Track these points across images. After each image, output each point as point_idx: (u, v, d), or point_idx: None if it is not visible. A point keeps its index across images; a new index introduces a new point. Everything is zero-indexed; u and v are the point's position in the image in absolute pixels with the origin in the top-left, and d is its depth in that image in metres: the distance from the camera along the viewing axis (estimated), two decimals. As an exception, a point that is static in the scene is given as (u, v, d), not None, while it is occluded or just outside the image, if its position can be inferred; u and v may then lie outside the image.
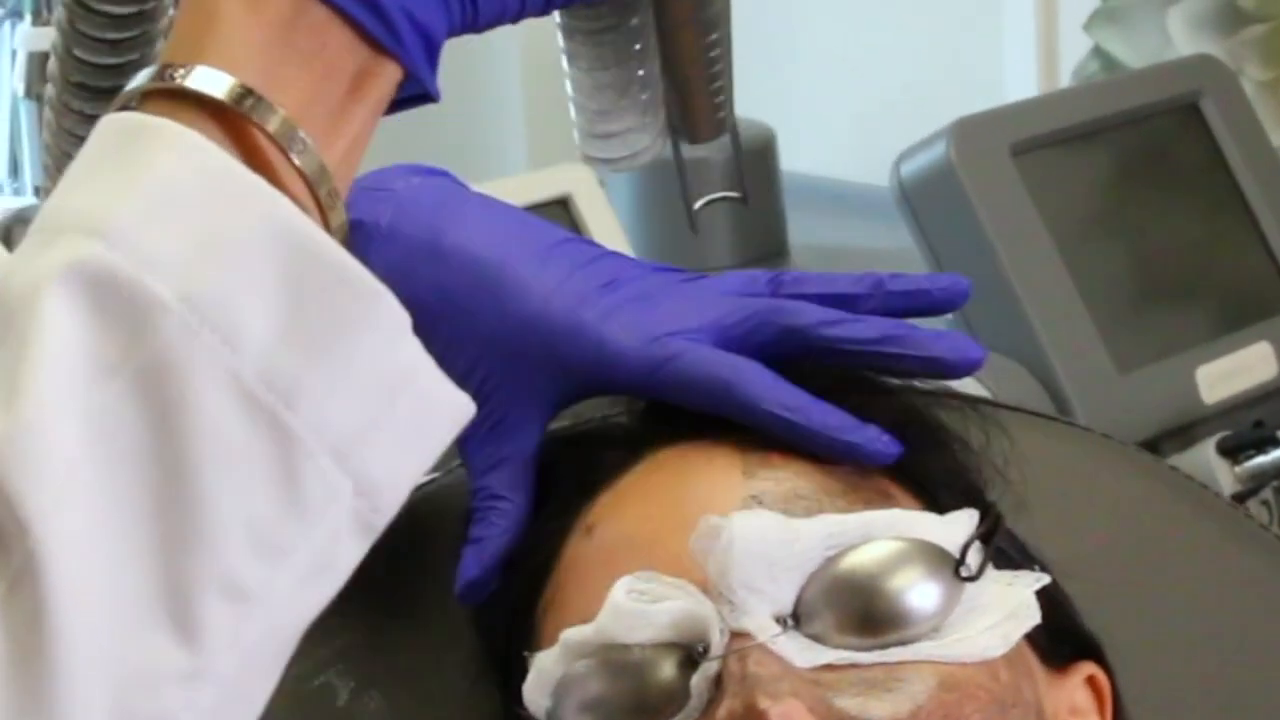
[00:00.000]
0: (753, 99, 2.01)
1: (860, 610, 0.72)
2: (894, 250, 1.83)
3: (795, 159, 2.03)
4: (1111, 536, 0.91)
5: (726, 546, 0.72)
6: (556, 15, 0.79)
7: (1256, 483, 1.64)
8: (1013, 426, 0.86)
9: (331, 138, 0.68)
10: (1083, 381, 1.63)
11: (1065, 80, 2.31)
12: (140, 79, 0.67)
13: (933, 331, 0.80)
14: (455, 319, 0.80)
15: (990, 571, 0.76)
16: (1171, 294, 1.75)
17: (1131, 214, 1.76)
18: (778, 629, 0.72)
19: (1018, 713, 0.74)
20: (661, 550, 0.75)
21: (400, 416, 0.65)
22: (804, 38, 2.50)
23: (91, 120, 0.97)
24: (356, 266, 0.65)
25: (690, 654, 0.72)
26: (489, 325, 0.80)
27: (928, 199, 1.68)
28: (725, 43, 0.83)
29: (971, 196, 1.65)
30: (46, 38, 1.62)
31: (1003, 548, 0.78)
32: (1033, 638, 0.76)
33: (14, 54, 1.68)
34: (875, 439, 0.77)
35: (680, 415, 0.80)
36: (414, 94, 0.72)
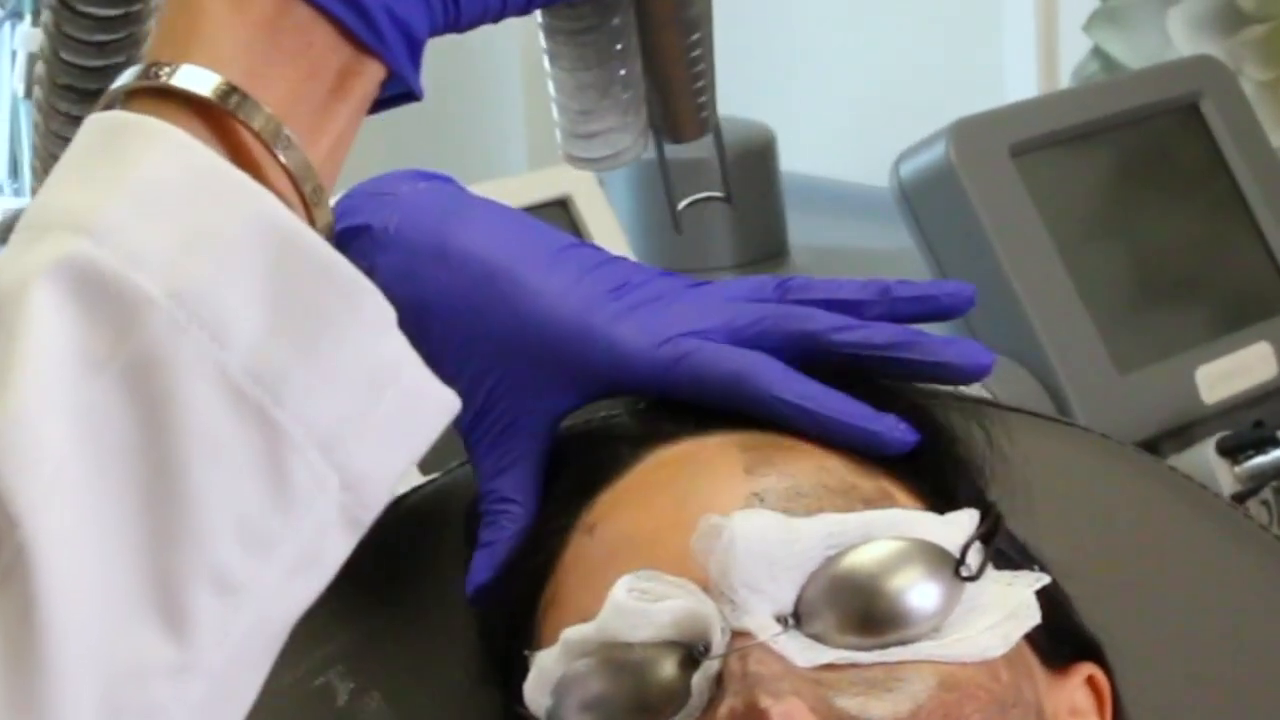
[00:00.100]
0: (752, 99, 2.02)
1: (861, 610, 0.73)
2: (894, 251, 1.84)
3: (795, 159, 2.03)
4: (1111, 537, 0.91)
5: (727, 546, 0.72)
6: (539, 15, 0.79)
7: (1256, 483, 1.64)
8: (1012, 427, 0.86)
9: (316, 135, 0.68)
10: (1082, 382, 1.63)
11: (1065, 81, 2.31)
12: (126, 77, 0.67)
13: (942, 338, 0.81)
14: (465, 323, 0.80)
15: (990, 571, 0.76)
16: (1171, 294, 1.76)
17: (1131, 214, 1.76)
18: (778, 628, 0.72)
19: (1018, 713, 0.74)
20: (663, 549, 0.75)
21: (386, 411, 0.66)
22: (804, 38, 2.50)
23: (78, 122, 0.97)
24: (342, 262, 0.65)
25: (691, 653, 0.72)
26: (499, 328, 0.80)
27: (927, 199, 1.68)
28: (707, 42, 0.83)
29: (971, 197, 1.65)
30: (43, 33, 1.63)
31: (1003, 548, 0.78)
32: (1033, 638, 0.76)
33: (14, 55, 1.68)
34: (894, 427, 0.78)
35: (682, 414, 0.80)
36: (398, 93, 0.72)
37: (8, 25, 1.69)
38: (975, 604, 0.74)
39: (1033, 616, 0.75)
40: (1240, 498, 1.62)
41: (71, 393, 0.62)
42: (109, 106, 0.67)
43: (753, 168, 1.92)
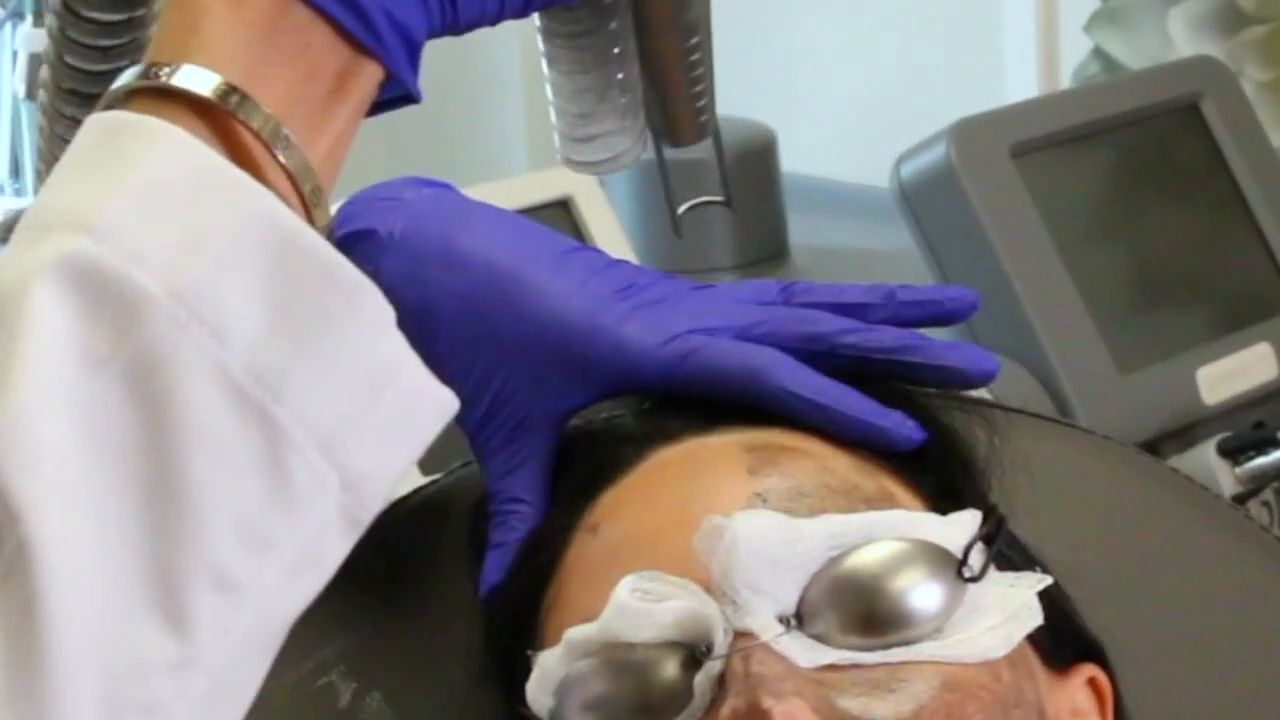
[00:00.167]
0: (753, 100, 2.02)
1: (863, 610, 0.73)
2: (894, 251, 1.84)
3: (795, 160, 2.03)
4: (1112, 538, 0.91)
5: (730, 546, 0.73)
6: (536, 19, 0.79)
7: (1257, 484, 1.64)
8: (1013, 428, 0.86)
9: (315, 136, 0.68)
10: (1083, 383, 1.63)
11: (1065, 81, 2.31)
12: (126, 78, 0.68)
13: (947, 343, 0.81)
14: (473, 324, 0.80)
15: (992, 572, 0.76)
16: (1172, 295, 1.76)
17: (1132, 215, 1.77)
18: (781, 629, 0.72)
19: (1020, 713, 0.74)
20: (665, 549, 0.75)
21: (385, 411, 0.66)
22: (804, 39, 2.50)
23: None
24: (342, 261, 0.65)
25: (694, 653, 0.72)
26: (507, 329, 0.80)
27: (928, 200, 1.68)
28: (706, 46, 0.83)
29: (972, 197, 1.65)
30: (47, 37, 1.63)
31: (1004, 549, 0.78)
32: (1035, 639, 0.76)
33: (15, 55, 1.68)
34: (902, 423, 0.79)
35: (684, 413, 0.80)
36: (397, 95, 0.72)
37: (9, 26, 1.69)
38: (977, 605, 0.74)
39: (1035, 617, 0.75)
40: (1241, 499, 1.62)
41: (73, 390, 0.62)
42: (109, 107, 0.68)
43: (753, 168, 1.92)
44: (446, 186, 0.84)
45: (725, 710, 0.70)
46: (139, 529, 0.62)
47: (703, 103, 0.85)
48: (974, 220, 1.65)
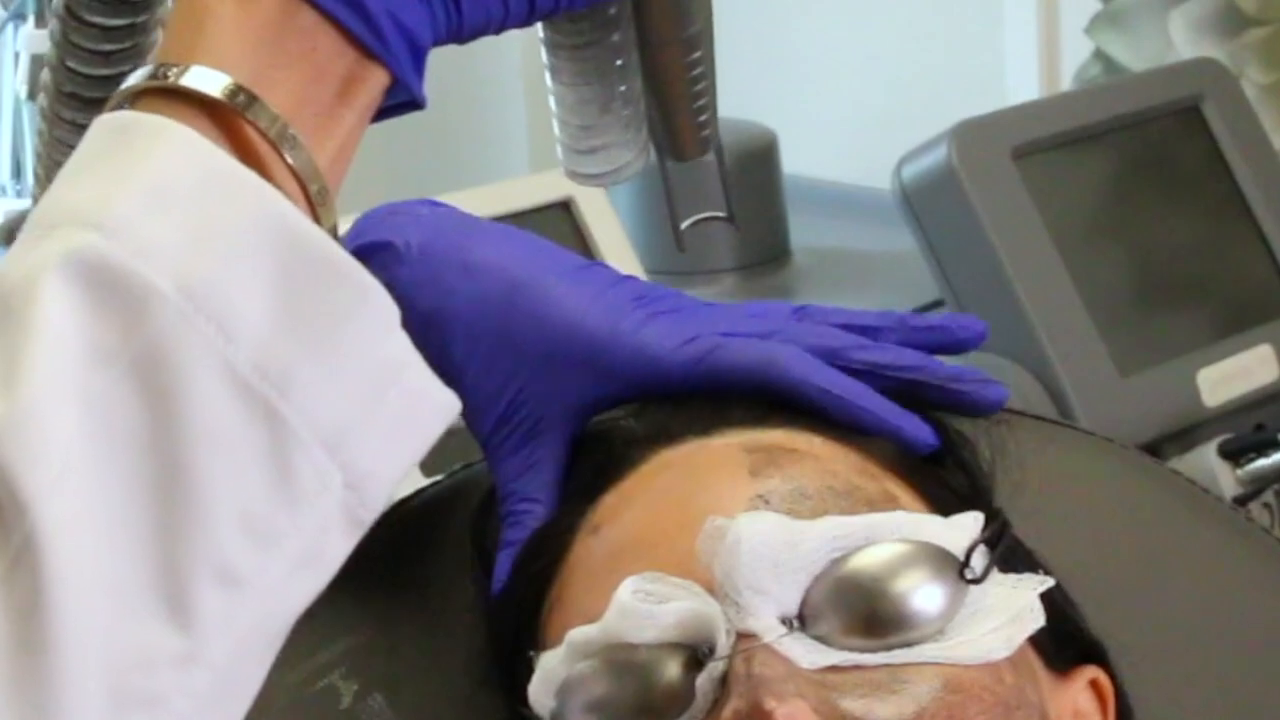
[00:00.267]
0: (754, 101, 2.02)
1: (865, 612, 0.73)
2: (895, 253, 1.84)
3: (797, 161, 2.04)
4: (1113, 540, 0.91)
5: (732, 548, 0.73)
6: (540, 31, 0.80)
7: (1258, 486, 1.64)
8: (1014, 430, 0.86)
9: (321, 139, 0.68)
10: (1084, 384, 1.63)
11: (1067, 83, 2.31)
12: (136, 78, 0.68)
13: (959, 367, 0.82)
14: (491, 328, 0.81)
15: (994, 574, 0.76)
16: (1173, 297, 1.76)
17: (1133, 217, 1.77)
18: (783, 630, 0.72)
19: (1021, 715, 0.74)
20: (667, 550, 0.75)
21: (389, 410, 0.66)
22: (805, 40, 2.50)
23: (83, 130, 0.98)
24: (348, 259, 0.65)
25: (696, 654, 0.73)
26: (526, 333, 0.81)
27: (929, 202, 1.68)
28: (708, 61, 0.84)
29: (973, 199, 1.65)
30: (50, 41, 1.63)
31: (1007, 551, 0.78)
32: (1036, 641, 0.76)
33: (17, 56, 1.68)
34: (919, 426, 0.80)
35: (686, 415, 0.80)
36: (402, 101, 0.72)
37: (11, 27, 1.69)
38: (979, 607, 0.75)
39: (1037, 619, 0.76)
40: (1242, 500, 1.62)
41: (81, 383, 0.62)
42: (118, 107, 0.68)
43: (754, 170, 1.92)
44: (453, 209, 0.86)
45: (727, 711, 0.70)
46: (145, 522, 0.62)
47: (705, 117, 0.86)
48: (975, 222, 1.65)
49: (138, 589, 0.62)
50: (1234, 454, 1.65)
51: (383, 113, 0.71)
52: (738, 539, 0.73)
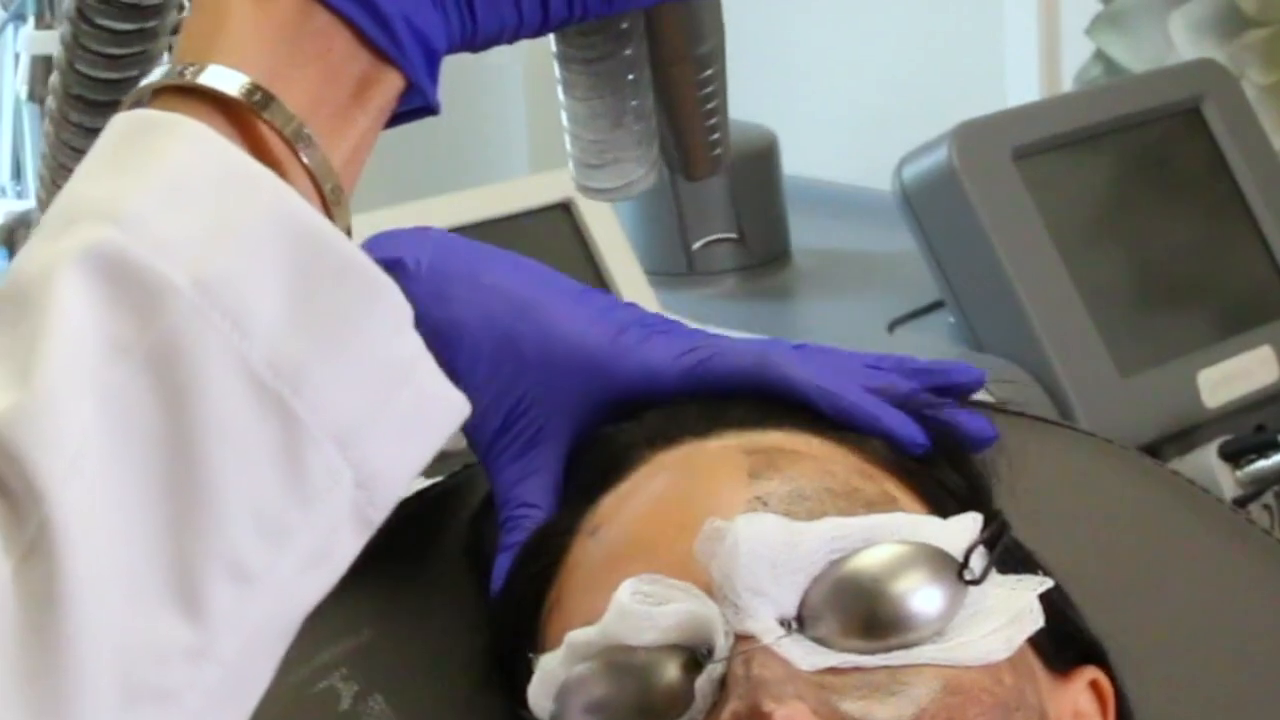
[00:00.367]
0: (755, 102, 2.02)
1: (864, 614, 0.73)
2: (896, 254, 1.84)
3: (797, 162, 2.03)
4: (1113, 541, 0.91)
5: (731, 549, 0.73)
6: (553, 44, 0.80)
7: (1258, 487, 1.64)
8: (1015, 431, 0.86)
9: (335, 141, 0.69)
10: (1084, 385, 1.63)
11: (1067, 84, 2.31)
12: (154, 76, 0.68)
13: (954, 402, 0.83)
14: (496, 339, 0.83)
15: (994, 575, 0.76)
16: (1173, 298, 1.76)
17: (1133, 218, 1.77)
18: (782, 631, 0.72)
19: (1021, 716, 0.74)
20: (666, 552, 0.75)
21: (400, 409, 0.66)
22: (806, 41, 2.50)
23: (89, 132, 0.98)
24: (362, 257, 0.66)
25: (695, 656, 0.73)
26: (531, 345, 0.83)
27: (930, 203, 1.68)
28: (720, 80, 0.84)
29: (973, 200, 1.65)
30: (50, 41, 1.63)
31: (1006, 552, 0.78)
32: (1036, 642, 0.76)
33: (17, 57, 1.68)
34: (906, 424, 0.81)
35: (684, 417, 0.81)
36: (415, 106, 0.72)
37: (11, 28, 1.69)
38: (979, 608, 0.75)
39: (1036, 620, 0.76)
40: (1242, 502, 1.62)
41: (96, 376, 0.62)
42: (135, 105, 0.68)
43: (755, 171, 1.92)
44: None
45: (726, 713, 0.71)
46: (158, 515, 0.62)
47: (717, 136, 0.86)
48: (975, 223, 1.65)
49: (150, 582, 0.62)
50: (1234, 455, 1.65)
51: (397, 118, 0.72)
52: (736, 541, 0.73)
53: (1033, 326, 1.63)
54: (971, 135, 1.68)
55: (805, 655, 0.72)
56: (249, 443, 0.63)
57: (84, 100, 0.95)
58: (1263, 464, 1.63)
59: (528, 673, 0.76)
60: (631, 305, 0.86)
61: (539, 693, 0.75)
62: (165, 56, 1.00)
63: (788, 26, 2.47)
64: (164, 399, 0.63)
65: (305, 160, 0.67)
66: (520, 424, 0.83)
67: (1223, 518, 0.94)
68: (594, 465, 0.81)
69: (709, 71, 0.83)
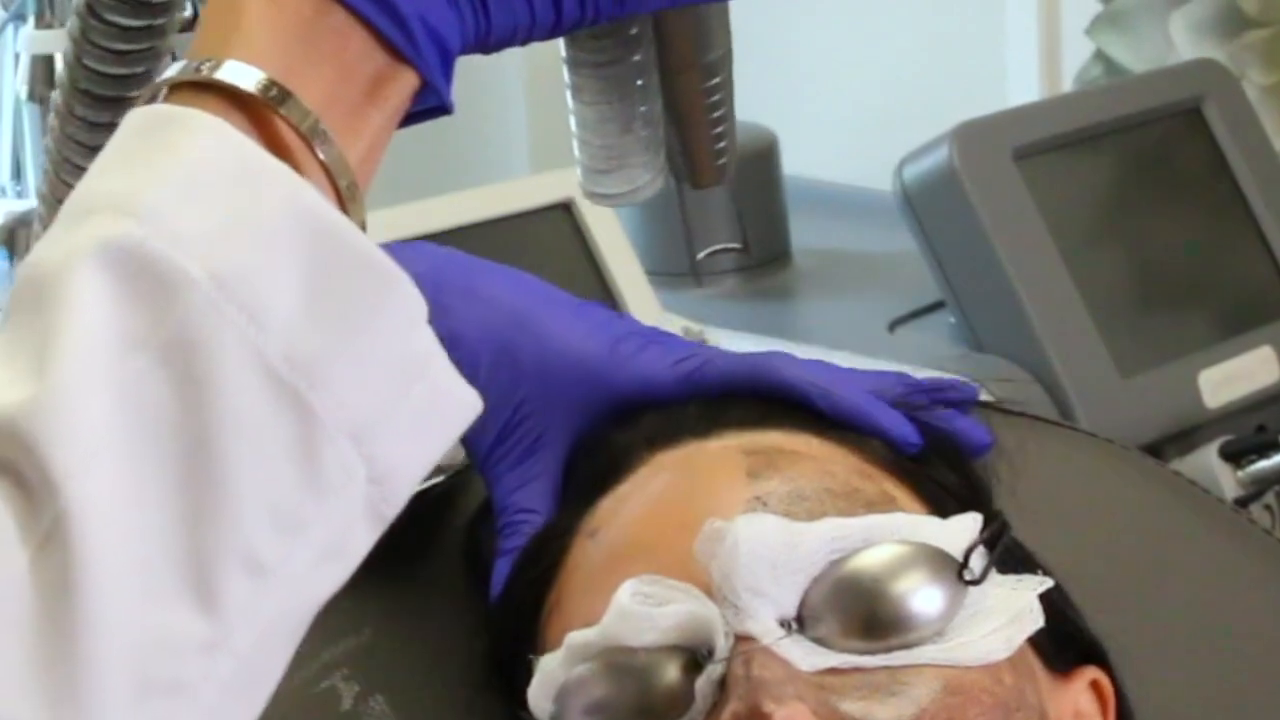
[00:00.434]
0: (755, 102, 2.02)
1: (864, 614, 0.73)
2: (896, 254, 1.84)
3: (797, 162, 2.03)
4: (1114, 541, 0.91)
5: (730, 550, 0.73)
6: (563, 49, 0.81)
7: (1259, 487, 1.64)
8: (1015, 431, 0.86)
9: (350, 139, 0.69)
10: (1085, 385, 1.63)
11: (1068, 84, 2.31)
12: (170, 72, 0.68)
13: (951, 412, 0.84)
14: (494, 348, 0.83)
15: (994, 575, 0.76)
16: (1174, 298, 1.76)
17: (1134, 218, 1.77)
18: (782, 632, 0.72)
19: (1021, 716, 0.74)
20: (665, 553, 0.75)
21: (413, 405, 0.66)
22: (806, 41, 2.50)
23: (94, 127, 0.98)
24: (377, 252, 0.66)
25: (695, 657, 0.73)
26: (528, 354, 0.84)
27: (930, 203, 1.68)
28: (727, 89, 0.85)
29: (974, 200, 1.65)
30: (50, 41, 1.63)
31: (1006, 552, 0.78)
32: (1036, 642, 0.76)
33: (17, 57, 1.68)
34: (901, 423, 0.81)
35: (683, 418, 0.81)
36: (428, 106, 0.73)
37: (11, 28, 1.69)
38: (979, 608, 0.75)
39: (1036, 620, 0.76)
40: (1243, 502, 1.62)
41: (113, 368, 0.62)
42: (150, 100, 0.68)
43: (755, 171, 1.92)
44: None
45: (726, 714, 0.71)
46: (174, 507, 0.62)
47: (722, 145, 0.86)
48: (976, 223, 1.65)
49: (166, 573, 0.62)
50: (1235, 455, 1.64)
51: (410, 118, 0.72)
52: (736, 541, 0.73)
53: (1033, 327, 1.63)
54: (972, 135, 1.68)
55: (805, 656, 0.72)
56: (265, 437, 0.63)
57: (90, 95, 0.95)
58: (1263, 464, 1.63)
59: (528, 674, 0.76)
60: (628, 318, 0.86)
61: (539, 694, 0.75)
62: (170, 54, 1.00)
63: (788, 27, 2.47)
64: (180, 392, 0.63)
65: (321, 156, 0.67)
66: (518, 432, 0.83)
67: (1224, 518, 0.94)
68: (593, 467, 0.81)
69: (716, 80, 0.84)
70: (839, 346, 1.59)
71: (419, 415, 0.66)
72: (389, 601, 0.86)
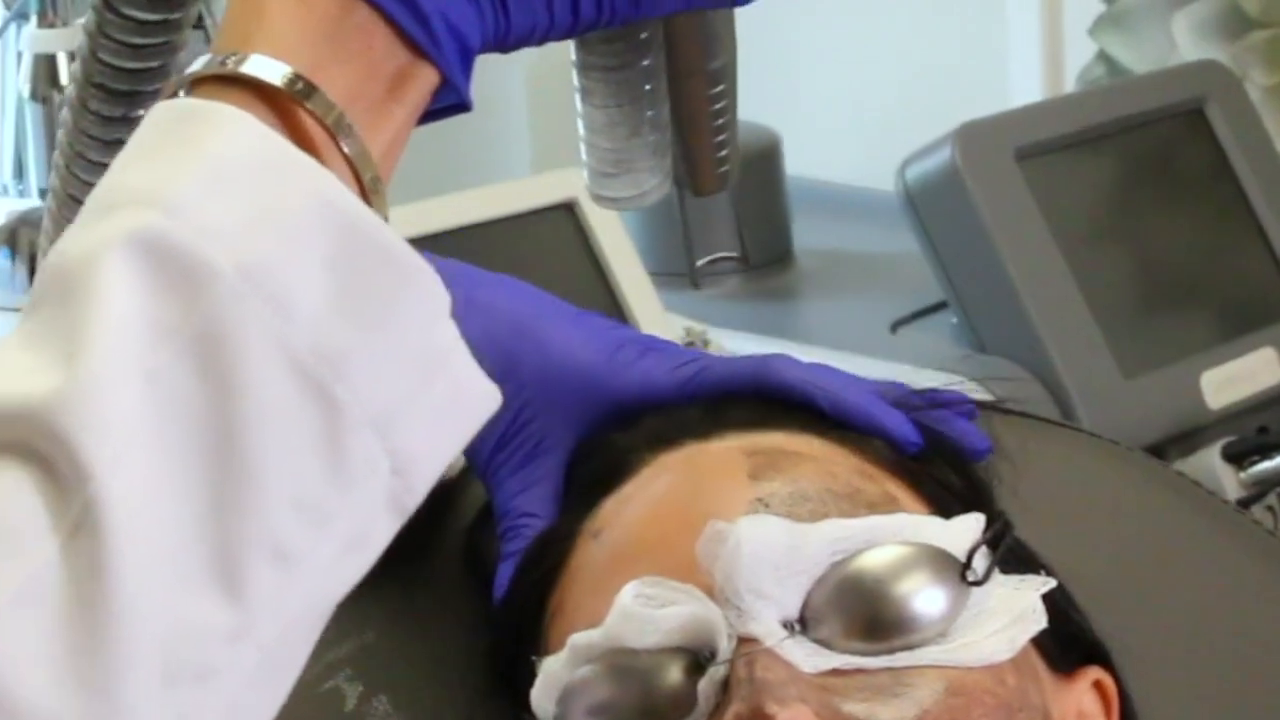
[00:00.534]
0: (758, 102, 2.02)
1: (867, 615, 0.73)
2: (899, 255, 1.84)
3: (800, 163, 2.04)
4: (1116, 541, 0.91)
5: (733, 551, 0.73)
6: (573, 53, 0.81)
7: (1261, 488, 1.64)
8: (1018, 431, 0.86)
9: (372, 134, 0.69)
10: (1088, 386, 1.63)
11: (1070, 85, 2.31)
12: (196, 65, 0.69)
13: (952, 414, 0.84)
14: (495, 357, 0.82)
15: (997, 576, 0.76)
16: (1176, 299, 1.76)
17: (1136, 219, 1.77)
18: (784, 634, 0.72)
19: (1024, 717, 0.74)
20: (668, 555, 0.75)
21: (435, 398, 0.67)
22: (809, 42, 2.50)
23: (107, 120, 0.98)
24: (401, 245, 0.66)
25: (697, 659, 0.73)
26: (530, 361, 0.84)
27: (933, 203, 1.68)
28: (730, 97, 0.85)
29: (976, 201, 1.65)
30: (52, 40, 1.63)
31: (1009, 552, 0.78)
32: (1039, 642, 0.76)
33: (20, 56, 1.68)
34: (902, 423, 0.81)
35: (685, 420, 0.81)
36: (447, 104, 0.73)
37: (14, 27, 1.69)
38: (982, 609, 0.75)
39: (1039, 621, 0.76)
40: (1245, 503, 1.62)
41: (141, 359, 0.63)
42: (175, 93, 0.68)
43: (758, 171, 1.92)
44: None
45: (729, 716, 0.71)
46: (202, 497, 0.63)
47: (725, 153, 0.87)
48: (979, 223, 1.65)
49: (193, 562, 0.62)
50: (1237, 457, 1.64)
51: (429, 115, 0.72)
52: (738, 543, 0.73)
53: (1035, 327, 1.63)
54: (974, 136, 1.68)
55: (808, 657, 0.72)
56: (290, 428, 0.64)
57: (105, 89, 0.95)
58: (1266, 465, 1.63)
59: (530, 675, 0.76)
60: (627, 327, 0.87)
61: (542, 695, 0.75)
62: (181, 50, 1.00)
63: (791, 27, 2.47)
64: (207, 383, 0.63)
65: (346, 149, 0.68)
66: (519, 438, 0.83)
67: (1226, 519, 0.94)
68: (595, 469, 0.81)
69: (720, 87, 0.84)
70: (841, 347, 1.59)
71: (441, 408, 0.67)
72: (393, 603, 0.86)
